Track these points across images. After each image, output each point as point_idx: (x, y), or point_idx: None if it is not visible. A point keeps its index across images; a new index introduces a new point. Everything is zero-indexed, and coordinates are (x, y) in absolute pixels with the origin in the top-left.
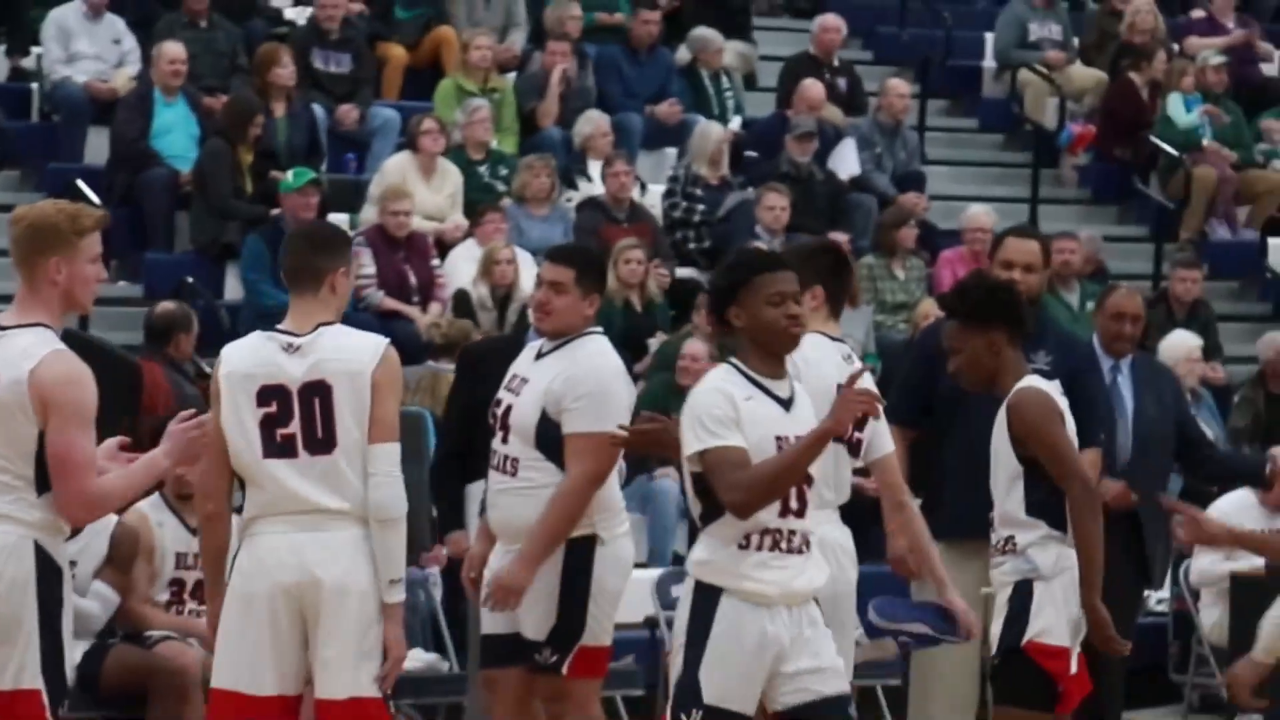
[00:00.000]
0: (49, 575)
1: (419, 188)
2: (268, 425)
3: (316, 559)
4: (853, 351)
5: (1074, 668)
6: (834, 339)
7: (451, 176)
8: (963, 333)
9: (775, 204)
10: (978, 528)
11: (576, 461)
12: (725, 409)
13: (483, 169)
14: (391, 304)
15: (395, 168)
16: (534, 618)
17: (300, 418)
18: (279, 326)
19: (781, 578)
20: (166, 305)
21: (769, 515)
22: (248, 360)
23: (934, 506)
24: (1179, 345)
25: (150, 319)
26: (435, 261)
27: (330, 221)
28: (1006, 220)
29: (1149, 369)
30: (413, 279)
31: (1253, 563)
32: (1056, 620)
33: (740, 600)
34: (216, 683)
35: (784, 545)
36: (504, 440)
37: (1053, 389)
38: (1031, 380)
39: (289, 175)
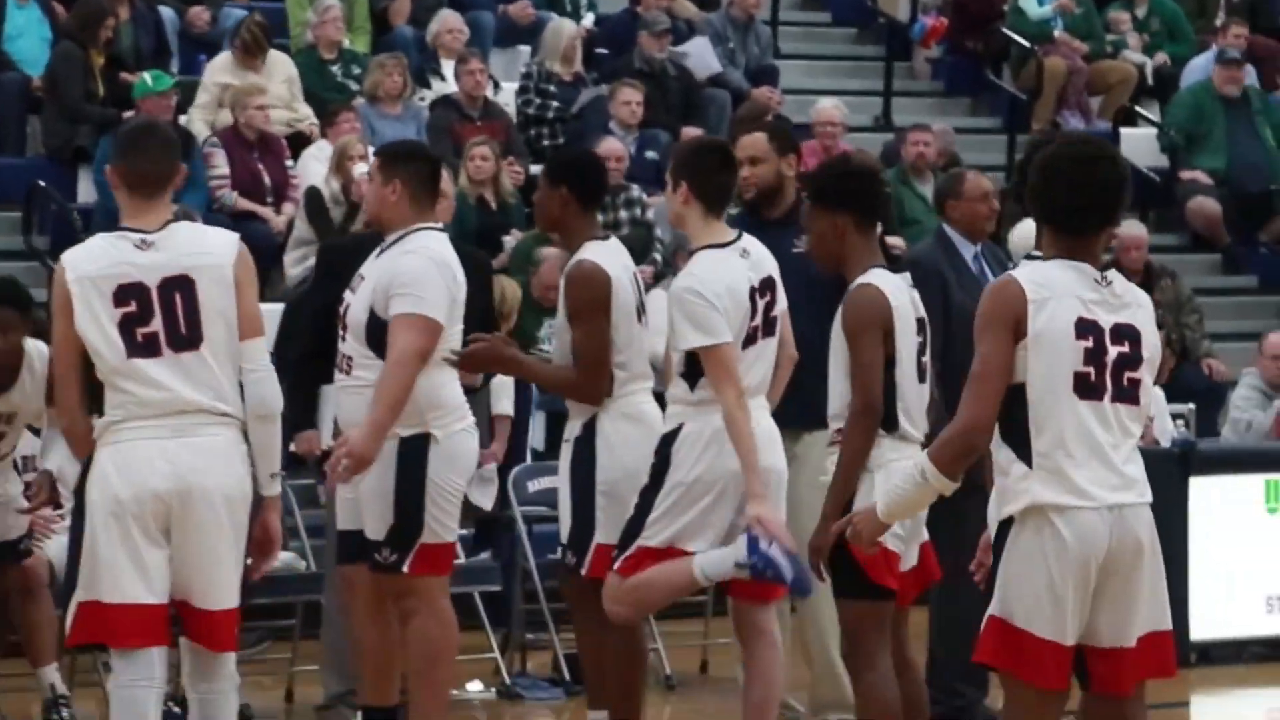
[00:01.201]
0: None
1: (254, 81)
2: (127, 325)
3: (191, 465)
4: (747, 246)
5: (909, 562)
6: (724, 244)
7: (281, 64)
8: (813, 213)
9: (629, 99)
10: (819, 417)
11: (396, 338)
12: None
13: (335, 68)
14: (246, 204)
15: (220, 67)
16: (372, 518)
17: (161, 314)
18: (123, 225)
19: None
20: None
21: None
22: (99, 261)
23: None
24: (1030, 235)
25: None
26: (289, 162)
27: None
28: (859, 113)
29: (992, 253)
30: (267, 179)
31: None
32: None
33: None
34: (80, 595)
35: None
36: (343, 339)
37: (899, 281)
38: (873, 276)
39: (146, 78)
